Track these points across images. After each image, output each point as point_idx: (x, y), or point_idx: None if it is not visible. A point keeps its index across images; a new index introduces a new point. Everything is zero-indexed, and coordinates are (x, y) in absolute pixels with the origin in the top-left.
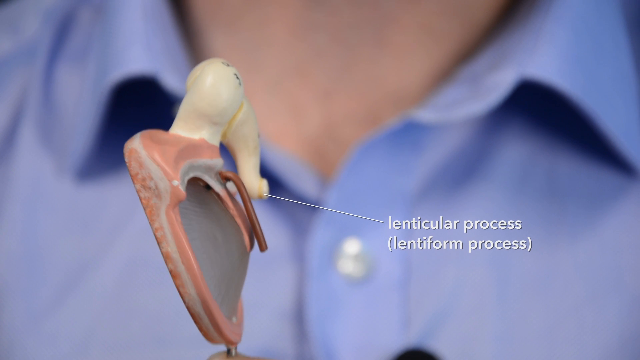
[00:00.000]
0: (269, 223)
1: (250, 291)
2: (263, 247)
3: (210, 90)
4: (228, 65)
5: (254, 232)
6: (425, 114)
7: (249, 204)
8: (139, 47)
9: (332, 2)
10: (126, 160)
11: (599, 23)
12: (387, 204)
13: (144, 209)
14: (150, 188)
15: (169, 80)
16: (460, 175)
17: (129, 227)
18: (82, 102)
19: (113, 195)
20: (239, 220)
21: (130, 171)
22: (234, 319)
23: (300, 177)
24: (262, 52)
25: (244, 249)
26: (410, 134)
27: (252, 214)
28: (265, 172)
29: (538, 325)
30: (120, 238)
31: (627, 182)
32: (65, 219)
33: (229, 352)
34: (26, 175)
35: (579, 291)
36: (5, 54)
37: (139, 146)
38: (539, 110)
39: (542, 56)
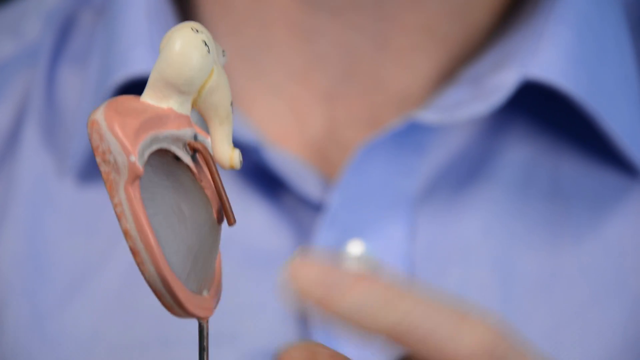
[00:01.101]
0: (271, 223)
1: (254, 292)
2: (231, 221)
3: (176, 58)
4: (197, 31)
5: (222, 205)
6: (428, 115)
7: (215, 175)
8: (143, 48)
9: (334, 6)
10: (88, 131)
11: (602, 25)
12: (390, 205)
13: (105, 184)
14: (109, 162)
15: None
16: (463, 176)
17: None
18: (84, 101)
19: None
20: (208, 192)
21: (92, 143)
22: (205, 292)
23: (304, 179)
24: (265, 55)
25: (213, 222)
26: (413, 135)
27: (219, 185)
28: (268, 173)
29: (542, 326)
30: (124, 238)
31: (631, 183)
32: (69, 220)
33: (200, 325)
34: (29, 176)
35: (583, 293)
36: (8, 56)
37: (101, 117)
38: (542, 111)
39: (545, 57)
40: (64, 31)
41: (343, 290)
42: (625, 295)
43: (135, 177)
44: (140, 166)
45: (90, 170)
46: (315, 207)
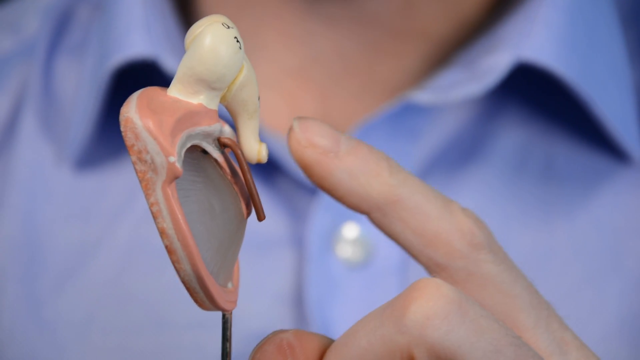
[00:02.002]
0: (267, 207)
1: (250, 275)
2: (261, 216)
3: (209, 55)
4: (229, 27)
5: (252, 201)
6: (422, 96)
7: (246, 171)
8: (139, 32)
9: (328, 14)
10: (122, 129)
11: (593, 11)
12: None
13: (140, 182)
14: (146, 161)
15: (169, 64)
16: (457, 160)
17: (128, 214)
18: (81, 89)
19: (112, 182)
20: (236, 188)
21: (126, 142)
22: (230, 285)
23: None
24: (258, 54)
25: (241, 216)
26: (407, 119)
27: (250, 181)
28: None
29: None
30: (120, 225)
31: (621, 167)
32: (65, 207)
33: (224, 317)
34: (27, 164)
35: (577, 272)
36: (6, 52)
37: (135, 115)
38: (536, 95)
39: (538, 39)
40: (61, 25)
41: (343, 152)
42: (619, 274)
43: (174, 178)
44: (179, 167)
45: (87, 158)
46: (311, 191)
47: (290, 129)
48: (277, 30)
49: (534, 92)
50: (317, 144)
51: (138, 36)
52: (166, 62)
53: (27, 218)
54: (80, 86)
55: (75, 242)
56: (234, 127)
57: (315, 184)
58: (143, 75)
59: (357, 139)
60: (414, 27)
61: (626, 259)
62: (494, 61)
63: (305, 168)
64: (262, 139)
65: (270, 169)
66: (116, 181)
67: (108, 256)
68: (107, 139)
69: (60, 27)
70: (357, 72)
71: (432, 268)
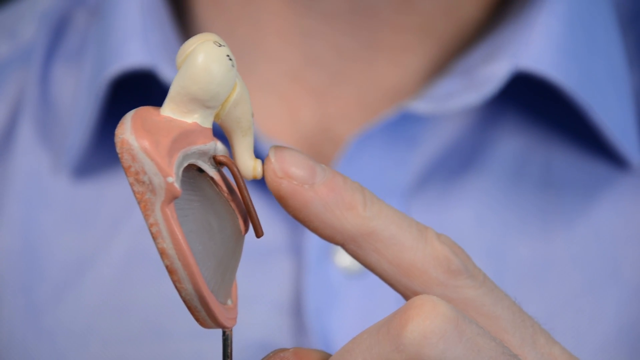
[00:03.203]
0: (265, 217)
1: (248, 284)
2: (259, 233)
3: (202, 73)
4: (220, 45)
5: (250, 217)
6: (420, 105)
7: (243, 188)
8: (137, 41)
9: (327, 10)
10: (117, 151)
11: (593, 19)
12: (382, 197)
13: (138, 203)
14: (144, 182)
15: (167, 73)
16: (456, 168)
17: (126, 223)
18: (79, 97)
19: (110, 191)
20: (233, 205)
21: (123, 163)
22: (229, 302)
23: None
24: (256, 55)
25: (239, 233)
26: (405, 127)
27: (247, 198)
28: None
29: (535, 314)
30: (118, 233)
31: (620, 174)
32: (63, 215)
33: (224, 334)
34: (24, 173)
35: (576, 281)
36: (3, 57)
37: (131, 136)
38: (534, 104)
39: (536, 48)
40: (58, 31)
41: (319, 183)
42: (618, 283)
43: (172, 198)
44: (178, 187)
45: (85, 166)
46: None
47: (267, 159)
48: (275, 30)
49: (532, 100)
50: (292, 175)
51: (136, 45)
52: (164, 71)
53: (24, 226)
54: (77, 94)
55: (73, 251)
56: (226, 143)
57: (291, 215)
58: (141, 83)
59: (333, 170)
60: (413, 23)
61: (625, 266)
62: (493, 70)
63: (281, 199)
64: (259, 145)
65: None
66: (114, 190)
67: (106, 265)
68: (105, 147)
69: (58, 33)
70: (355, 72)
71: (411, 297)
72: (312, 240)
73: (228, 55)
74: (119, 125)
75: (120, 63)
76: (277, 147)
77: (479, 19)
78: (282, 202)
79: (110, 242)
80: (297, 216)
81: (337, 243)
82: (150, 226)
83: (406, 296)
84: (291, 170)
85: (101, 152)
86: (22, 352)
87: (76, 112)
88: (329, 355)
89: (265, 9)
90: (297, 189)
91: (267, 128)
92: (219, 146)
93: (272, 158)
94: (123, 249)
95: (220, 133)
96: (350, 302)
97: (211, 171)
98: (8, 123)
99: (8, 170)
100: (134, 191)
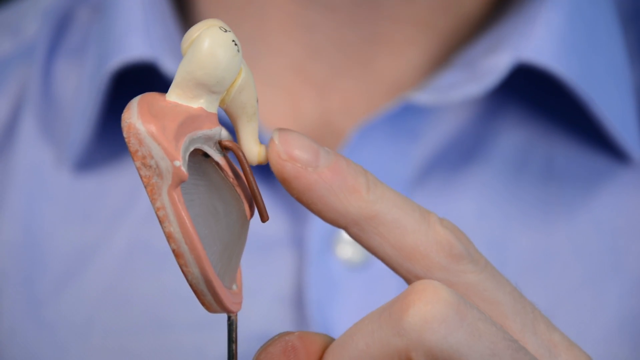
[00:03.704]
0: (267, 208)
1: (250, 276)
2: (265, 217)
3: (208, 59)
4: (226, 30)
5: (255, 202)
6: (422, 96)
7: (249, 173)
8: (138, 35)
9: (329, 3)
10: (124, 135)
11: (593, 13)
12: None
13: (145, 187)
14: (150, 166)
15: (169, 66)
16: (457, 160)
17: (128, 216)
18: (81, 92)
19: (112, 184)
20: (238, 190)
21: (130, 148)
22: (234, 287)
23: None
24: (259, 48)
25: (244, 218)
26: (407, 119)
27: (253, 183)
28: None
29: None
30: (120, 226)
31: (621, 167)
32: (65, 208)
33: (229, 319)
34: (27, 166)
35: (577, 273)
36: (6, 54)
37: (138, 121)
38: (536, 96)
39: (538, 40)
40: (61, 27)
41: (322, 166)
42: (619, 275)
43: (179, 182)
44: (185, 170)
45: (87, 160)
46: None
47: (270, 141)
48: (278, 23)
49: (534, 93)
50: (296, 157)
51: (137, 38)
52: (165, 64)
53: (27, 220)
54: (79, 88)
55: (75, 244)
56: (230, 129)
57: (294, 198)
58: (142, 77)
59: (336, 153)
60: (414, 16)
61: (626, 259)
62: (494, 62)
63: (284, 182)
64: (261, 137)
65: (270, 169)
66: (116, 183)
67: (108, 258)
68: (107, 141)
69: (60, 29)
70: (357, 65)
71: (413, 281)
72: (314, 232)
73: (234, 41)
74: (125, 110)
75: (122, 56)
76: (281, 130)
77: (480, 12)
78: (286, 185)
79: (112, 235)
80: (301, 199)
81: (340, 226)
82: (157, 210)
83: (408, 280)
84: (295, 153)
85: (103, 145)
86: (24, 344)
87: (78, 106)
88: (333, 340)
89: (267, 2)
90: (301, 172)
91: (270, 120)
92: (224, 132)
93: (276, 140)
94: (124, 241)
95: (223, 121)
96: (351, 294)
97: (217, 156)
98: (11, 117)
99: (11, 164)
100: (140, 175)
